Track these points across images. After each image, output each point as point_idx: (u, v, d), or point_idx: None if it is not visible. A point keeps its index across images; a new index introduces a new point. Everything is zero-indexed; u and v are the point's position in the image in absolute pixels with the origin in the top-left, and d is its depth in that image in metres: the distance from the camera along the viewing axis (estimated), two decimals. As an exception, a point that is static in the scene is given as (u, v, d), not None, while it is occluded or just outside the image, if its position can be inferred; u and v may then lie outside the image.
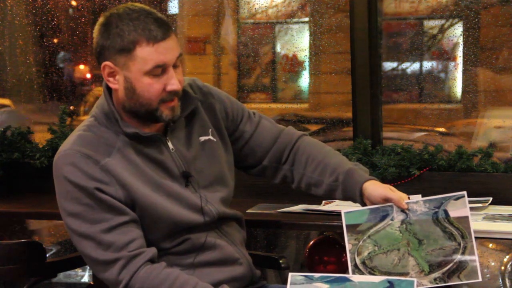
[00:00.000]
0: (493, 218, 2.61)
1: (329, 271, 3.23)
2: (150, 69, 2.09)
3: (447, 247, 2.10)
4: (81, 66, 4.61)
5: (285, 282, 2.03)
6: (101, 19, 2.14)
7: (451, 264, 2.10)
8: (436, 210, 2.13)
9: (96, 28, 2.14)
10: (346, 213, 2.17)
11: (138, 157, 2.16)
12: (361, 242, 2.15)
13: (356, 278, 2.03)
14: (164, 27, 2.10)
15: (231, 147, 2.38)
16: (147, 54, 2.08)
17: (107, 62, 2.12)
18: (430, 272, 2.10)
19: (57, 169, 2.14)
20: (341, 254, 3.23)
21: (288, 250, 4.28)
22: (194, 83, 2.34)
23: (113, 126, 2.17)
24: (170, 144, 2.23)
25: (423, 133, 3.98)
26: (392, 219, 2.15)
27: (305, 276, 2.02)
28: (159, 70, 2.10)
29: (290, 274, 2.02)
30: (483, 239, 3.46)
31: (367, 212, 2.17)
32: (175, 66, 2.13)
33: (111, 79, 2.14)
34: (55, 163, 2.15)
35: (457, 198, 2.12)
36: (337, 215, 2.71)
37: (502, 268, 3.85)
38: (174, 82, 2.11)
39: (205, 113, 2.32)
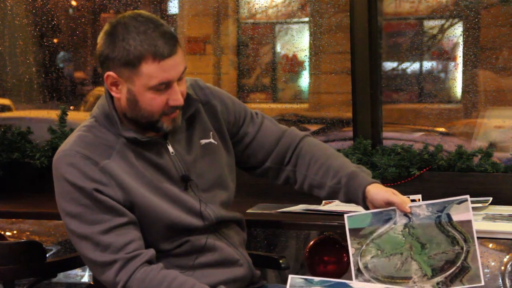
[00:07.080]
0: (493, 218, 2.61)
1: (329, 271, 3.23)
2: (154, 85, 2.06)
3: (450, 251, 2.10)
4: (81, 66, 4.61)
5: (285, 282, 2.03)
6: (106, 27, 2.10)
7: (453, 268, 2.09)
8: (439, 214, 2.11)
9: (101, 36, 2.10)
10: (349, 217, 2.16)
11: (138, 160, 2.15)
12: (364, 246, 2.14)
13: (356, 284, 2.01)
14: (171, 42, 2.06)
15: (234, 148, 2.37)
16: (153, 71, 2.05)
17: (110, 73, 2.08)
18: (432, 276, 2.09)
19: (57, 169, 2.13)
20: (341, 254, 3.23)
21: (288, 250, 4.27)
22: (196, 84, 2.32)
23: (113, 128, 2.16)
24: (170, 148, 2.21)
25: (423, 133, 3.98)
26: (395, 223, 2.14)
27: (305, 279, 2.02)
28: (163, 87, 2.08)
29: (290, 276, 2.02)
30: (483, 239, 3.46)
31: (370, 216, 2.15)
32: (179, 79, 2.11)
33: (113, 88, 2.11)
34: (55, 163, 2.14)
35: (460, 202, 2.11)
36: (337, 215, 2.71)
37: (502, 268, 3.86)
38: (177, 98, 2.09)
39: (206, 115, 2.30)
